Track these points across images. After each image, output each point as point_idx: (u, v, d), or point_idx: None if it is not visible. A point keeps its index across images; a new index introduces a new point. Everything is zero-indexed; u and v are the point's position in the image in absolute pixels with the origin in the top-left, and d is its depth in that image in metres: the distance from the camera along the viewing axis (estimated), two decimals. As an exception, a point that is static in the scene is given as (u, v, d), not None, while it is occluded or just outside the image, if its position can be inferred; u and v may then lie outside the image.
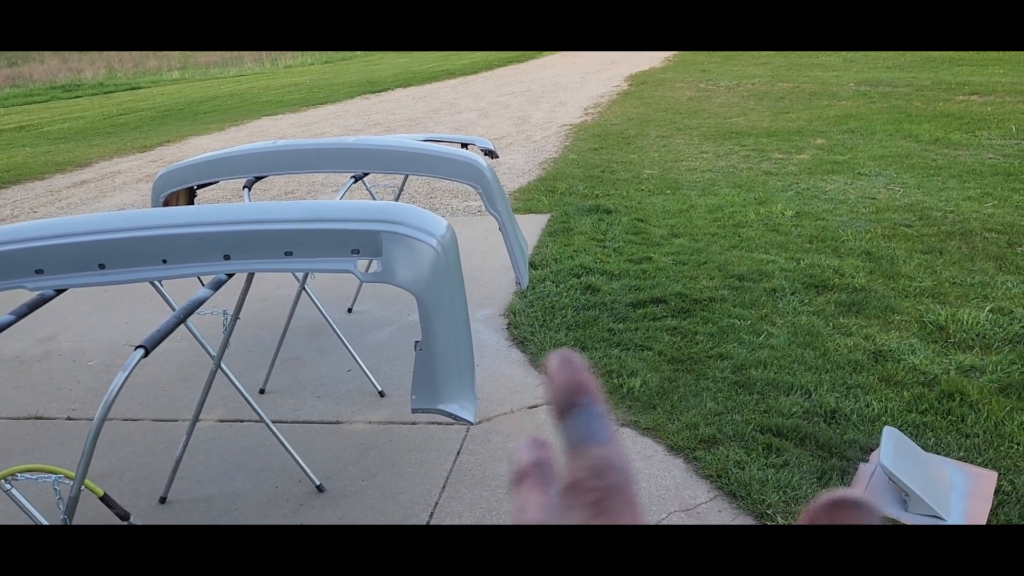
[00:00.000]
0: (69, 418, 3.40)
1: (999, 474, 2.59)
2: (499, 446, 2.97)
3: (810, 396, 3.15)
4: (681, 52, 20.09)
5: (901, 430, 2.73)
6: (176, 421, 3.31)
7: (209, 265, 1.92)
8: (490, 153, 3.62)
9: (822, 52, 17.51)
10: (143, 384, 3.62)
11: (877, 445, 2.66)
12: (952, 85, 11.96)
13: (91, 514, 2.60)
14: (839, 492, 0.28)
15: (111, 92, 20.85)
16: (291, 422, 3.24)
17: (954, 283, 4.22)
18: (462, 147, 3.27)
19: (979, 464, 2.66)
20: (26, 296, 1.90)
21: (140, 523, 2.36)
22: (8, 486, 1.78)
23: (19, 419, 3.42)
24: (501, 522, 2.55)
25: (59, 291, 1.90)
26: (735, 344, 3.62)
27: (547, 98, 13.88)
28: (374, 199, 4.17)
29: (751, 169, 7.28)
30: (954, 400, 3.04)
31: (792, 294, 4.17)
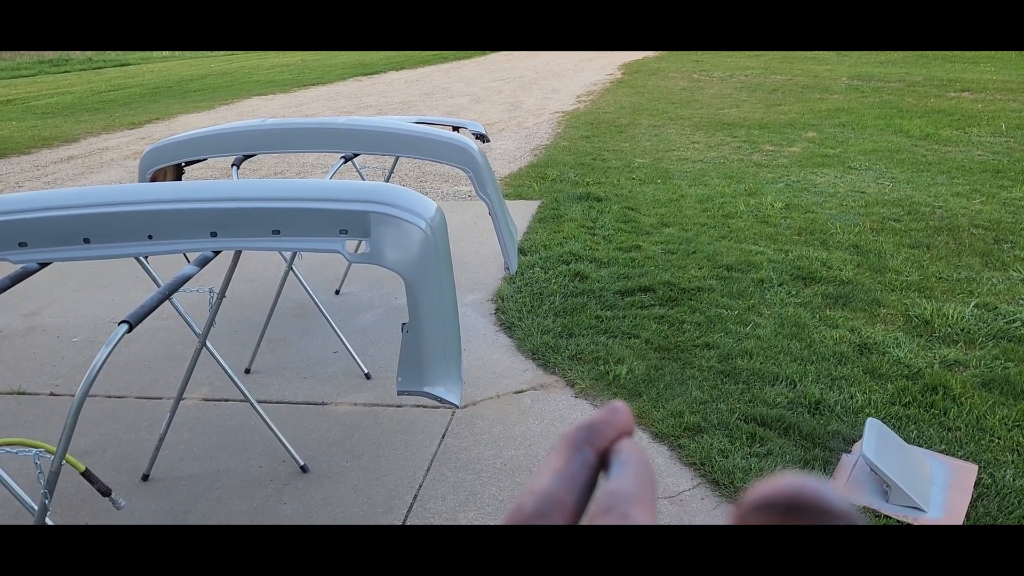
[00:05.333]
0: (52, 394, 3.38)
1: (979, 467, 2.61)
2: (484, 430, 2.97)
3: (795, 387, 3.16)
4: (675, 42, 20.08)
5: (884, 422, 2.75)
6: (160, 399, 3.30)
7: (196, 242, 1.90)
8: (481, 137, 3.60)
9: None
10: (127, 362, 3.60)
11: (860, 436, 2.68)
12: (944, 82, 12.00)
13: (72, 490, 2.59)
14: (780, 485, 0.26)
15: (100, 68, 20.62)
16: (276, 402, 3.23)
17: (940, 278, 4.24)
18: (454, 130, 3.25)
19: (960, 457, 2.68)
20: (9, 269, 1.87)
21: (122, 501, 2.35)
22: (-12, 459, 1.77)
23: (1, 394, 3.39)
24: (485, 505, 2.55)
25: (43, 264, 1.87)
26: (722, 334, 3.63)
27: (540, 85, 13.84)
28: (364, 180, 4.14)
29: (742, 160, 7.28)
30: (937, 393, 3.06)
31: (779, 285, 4.18)
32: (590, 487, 0.30)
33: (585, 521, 0.28)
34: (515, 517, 0.29)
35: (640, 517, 0.28)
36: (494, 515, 2.50)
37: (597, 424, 0.32)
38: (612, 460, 0.31)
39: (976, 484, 2.54)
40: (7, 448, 1.75)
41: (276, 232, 1.89)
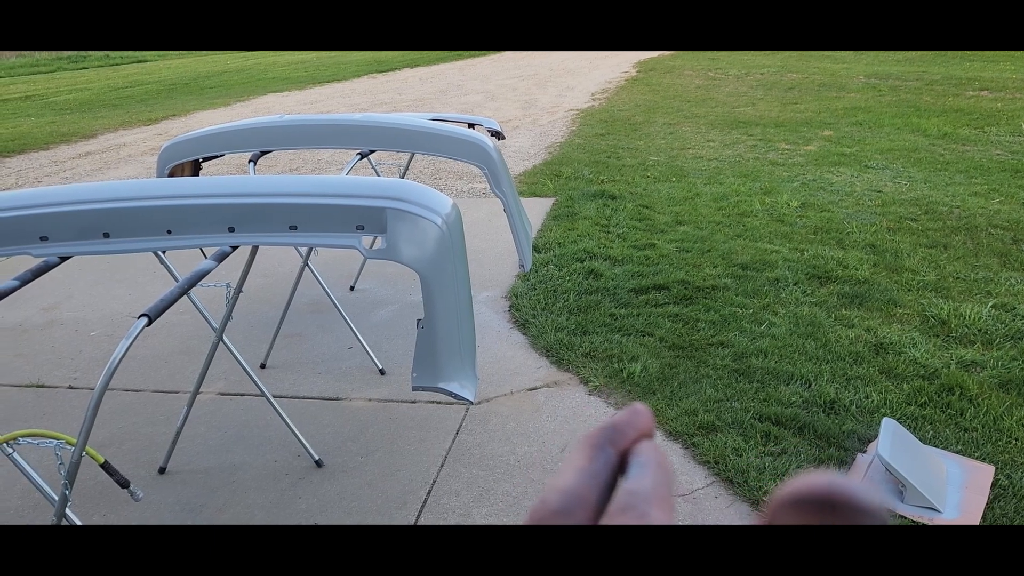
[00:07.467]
0: (70, 387, 3.41)
1: (996, 468, 2.60)
2: (498, 427, 2.97)
3: (810, 386, 3.15)
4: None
5: (900, 422, 2.74)
6: (177, 393, 3.32)
7: (213, 237, 1.91)
8: (497, 134, 3.61)
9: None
10: (144, 356, 3.63)
11: (875, 436, 2.67)
12: (962, 80, 11.89)
13: (91, 482, 2.62)
14: (813, 482, 0.26)
15: (117, 64, 20.79)
16: (291, 397, 3.25)
17: (957, 278, 4.21)
18: (469, 127, 3.26)
19: (977, 458, 2.66)
20: (31, 263, 1.90)
21: (140, 493, 2.37)
22: (10, 450, 1.79)
23: (20, 387, 3.43)
24: (498, 501, 2.56)
25: (63, 258, 1.90)
26: (736, 332, 3.62)
27: (555, 82, 13.83)
28: (379, 177, 4.15)
29: (758, 159, 7.25)
30: (954, 394, 3.04)
31: (795, 284, 4.17)
32: (611, 486, 0.31)
33: (604, 519, 0.29)
34: (539, 512, 0.30)
35: (658, 516, 0.28)
36: (507, 511, 2.51)
37: (619, 425, 0.33)
38: (631, 460, 0.32)
39: (993, 485, 2.52)
40: (29, 439, 1.77)
41: (293, 228, 1.91)
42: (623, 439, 0.32)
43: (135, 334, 1.70)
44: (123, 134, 9.81)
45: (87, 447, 1.80)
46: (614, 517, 0.28)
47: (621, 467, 0.32)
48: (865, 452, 2.72)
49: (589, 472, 0.31)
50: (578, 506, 0.30)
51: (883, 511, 0.26)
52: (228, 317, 2.57)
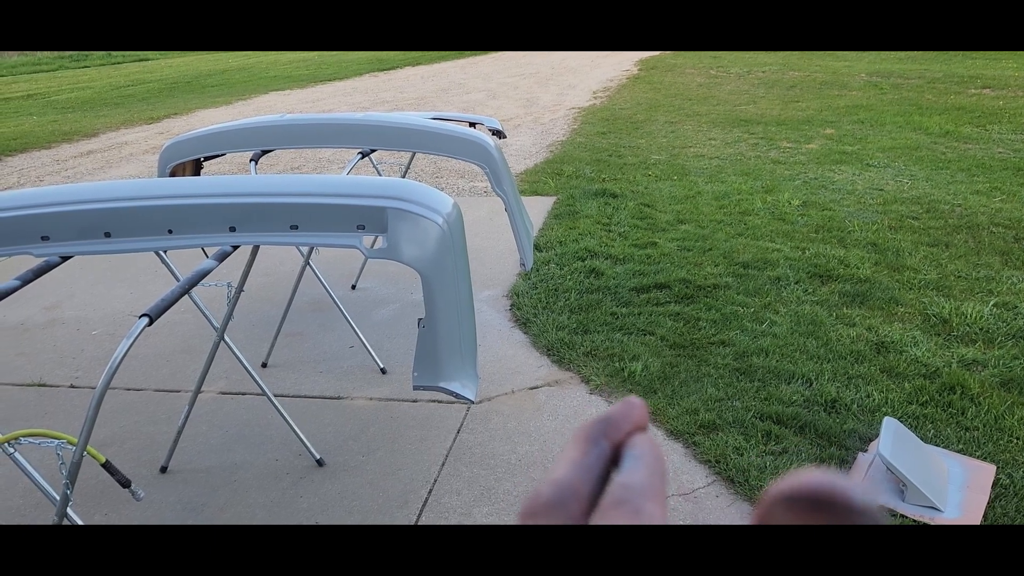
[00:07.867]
0: (72, 386, 3.42)
1: (997, 467, 2.60)
2: (499, 426, 2.98)
3: (811, 385, 3.15)
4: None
5: (901, 421, 2.74)
6: (178, 392, 3.33)
7: (214, 236, 1.91)
8: (498, 133, 3.61)
9: (834, 42, 17.46)
10: (146, 355, 3.63)
11: (877, 435, 2.66)
12: (964, 78, 11.88)
13: (92, 481, 2.62)
14: (806, 480, 0.26)
15: (119, 63, 20.80)
16: (292, 396, 3.26)
17: (959, 276, 4.21)
18: (470, 126, 3.26)
19: (978, 457, 2.66)
20: (32, 262, 1.90)
21: (141, 492, 2.38)
22: (11, 449, 1.79)
23: (22, 386, 3.44)
24: (499, 501, 2.56)
25: (64, 258, 1.90)
26: (737, 331, 3.62)
27: (556, 80, 13.83)
28: (380, 176, 4.15)
29: (759, 157, 7.25)
30: (955, 393, 3.04)
31: (796, 283, 4.16)
32: (605, 479, 0.31)
33: (598, 513, 0.29)
34: (532, 504, 0.30)
35: (651, 510, 0.28)
36: (509, 510, 2.51)
37: (613, 418, 0.33)
38: (625, 453, 0.31)
39: (994, 484, 2.52)
40: (30, 439, 1.77)
41: (294, 227, 1.91)
42: (617, 432, 0.32)
43: (136, 333, 1.70)
44: (125, 133, 9.81)
45: (88, 446, 1.80)
46: (607, 510, 0.28)
47: (615, 460, 0.32)
48: (866, 451, 2.72)
49: (583, 465, 0.31)
50: (571, 498, 0.30)
51: (877, 510, 0.26)
52: (229, 316, 2.57)
